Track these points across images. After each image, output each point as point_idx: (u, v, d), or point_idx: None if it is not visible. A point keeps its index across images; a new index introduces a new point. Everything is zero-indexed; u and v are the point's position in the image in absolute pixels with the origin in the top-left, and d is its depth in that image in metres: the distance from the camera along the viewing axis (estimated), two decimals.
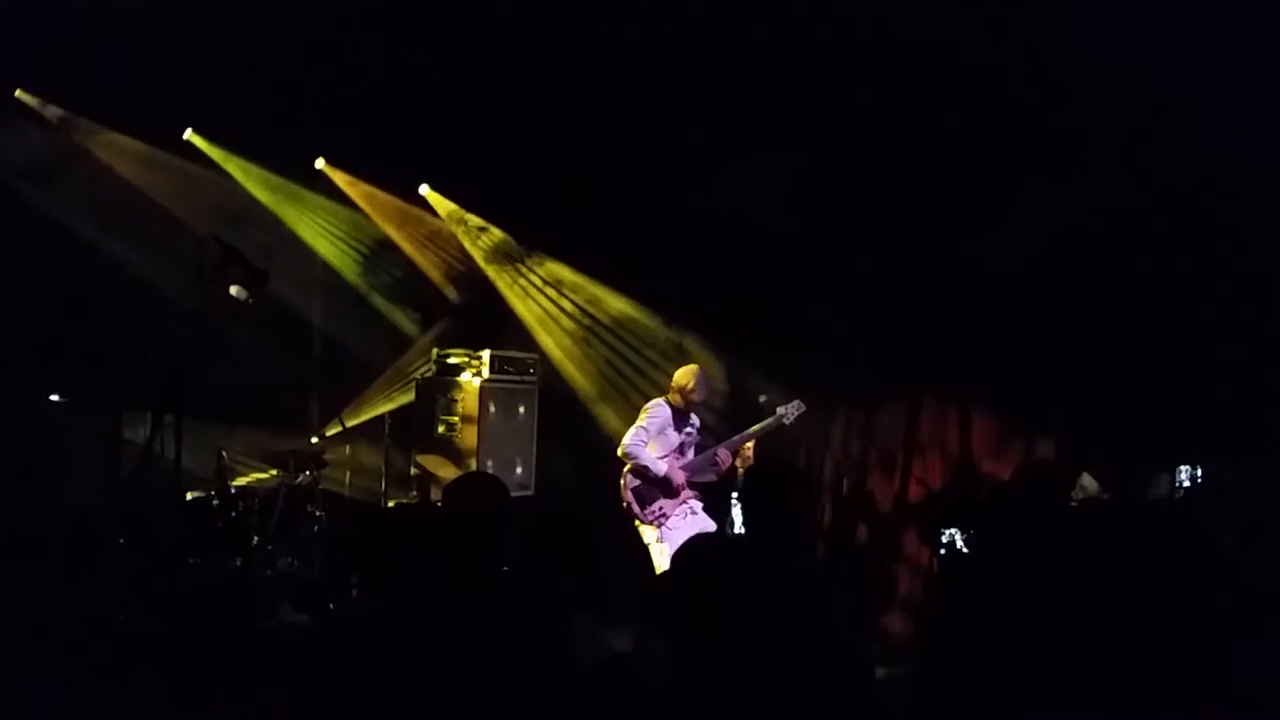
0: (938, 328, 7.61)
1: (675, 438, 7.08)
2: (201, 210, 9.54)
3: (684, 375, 7.11)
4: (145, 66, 8.69)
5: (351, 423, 9.52)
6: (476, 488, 3.71)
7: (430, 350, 9.46)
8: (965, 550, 7.03)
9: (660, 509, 6.97)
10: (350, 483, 9.29)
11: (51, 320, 8.77)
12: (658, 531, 6.95)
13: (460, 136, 8.95)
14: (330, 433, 9.31)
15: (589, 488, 8.34)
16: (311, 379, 10.67)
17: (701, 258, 8.19)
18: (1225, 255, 6.58)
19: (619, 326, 9.22)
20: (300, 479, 8.24)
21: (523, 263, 9.67)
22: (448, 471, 8.30)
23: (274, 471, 8.73)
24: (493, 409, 8.84)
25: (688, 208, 8.18)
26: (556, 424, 9.22)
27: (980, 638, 3.54)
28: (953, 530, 7.17)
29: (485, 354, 8.90)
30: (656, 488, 6.98)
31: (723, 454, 7.03)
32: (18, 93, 9.57)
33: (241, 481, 9.07)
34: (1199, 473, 6.46)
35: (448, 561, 3.44)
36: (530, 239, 9.57)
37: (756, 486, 3.85)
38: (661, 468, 6.94)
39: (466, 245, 9.82)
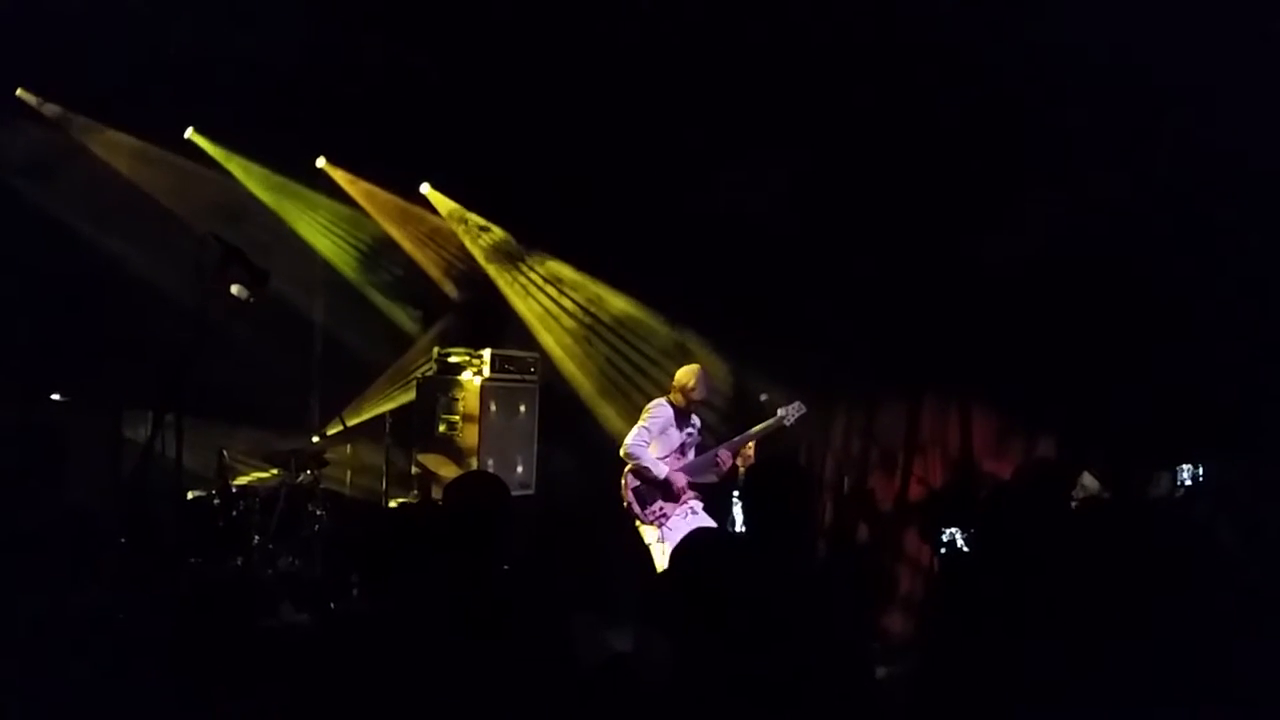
0: (938, 327, 7.61)
1: (677, 438, 7.08)
2: (202, 209, 9.54)
3: (685, 375, 7.12)
4: (145, 66, 8.69)
5: (352, 422, 9.53)
6: (477, 487, 3.71)
7: (431, 349, 9.46)
8: (966, 549, 7.03)
9: (661, 509, 6.97)
10: (351, 482, 9.30)
11: (52, 319, 8.77)
12: (658, 532, 6.95)
13: (460, 136, 8.95)
14: (331, 432, 9.31)
15: (590, 487, 8.34)
16: (312, 378, 10.67)
17: (702, 258, 8.19)
18: (1225, 255, 6.58)
19: (620, 325, 9.23)
20: (301, 478, 8.24)
21: (523, 261, 9.67)
22: (449, 470, 8.30)
23: (275, 471, 8.73)
24: (494, 408, 8.84)
25: (688, 208, 8.18)
26: (557, 423, 9.22)
27: (980, 637, 3.54)
28: (953, 529, 7.17)
29: (486, 353, 8.90)
30: (657, 488, 6.99)
31: (723, 455, 7.03)
32: (18, 91, 9.57)
33: (242, 481, 9.07)
34: (1200, 472, 6.45)
35: (448, 561, 3.44)
36: (531, 238, 9.57)
37: (758, 485, 3.85)
38: (663, 469, 6.94)
39: (467, 244, 9.82)
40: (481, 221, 9.71)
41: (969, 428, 7.76)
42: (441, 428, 8.92)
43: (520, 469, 9.00)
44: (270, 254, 8.47)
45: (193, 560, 7.40)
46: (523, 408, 9.11)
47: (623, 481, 7.08)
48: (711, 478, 7.14)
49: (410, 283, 10.38)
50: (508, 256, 9.74)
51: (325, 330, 10.70)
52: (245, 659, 5.29)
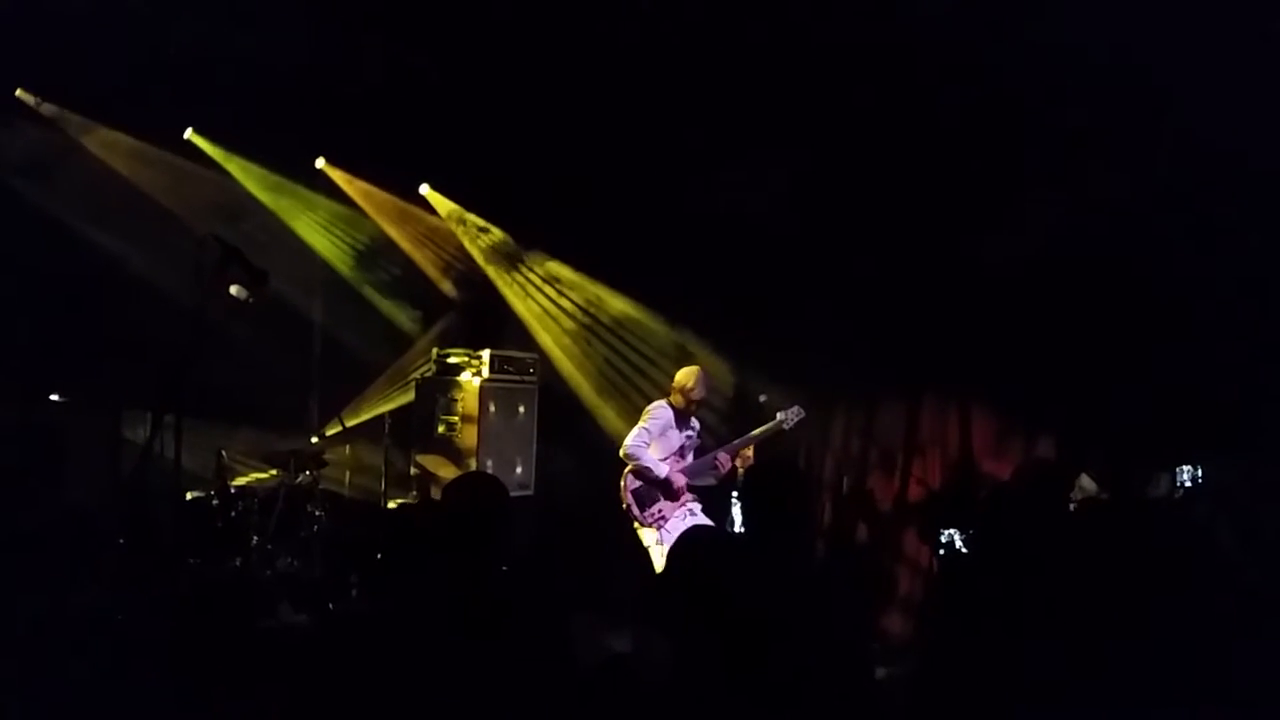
0: (938, 327, 7.61)
1: (676, 439, 7.08)
2: (201, 209, 9.55)
3: (685, 376, 7.12)
4: (145, 66, 8.69)
5: (351, 422, 9.52)
6: (476, 488, 3.71)
7: (430, 350, 9.46)
8: (965, 550, 7.03)
9: (660, 511, 6.97)
10: (350, 483, 9.28)
11: (51, 319, 8.76)
12: (657, 534, 6.95)
13: (459, 136, 8.95)
14: (330, 432, 9.31)
15: (589, 487, 8.34)
16: (311, 379, 10.67)
17: (701, 258, 8.18)
18: (1225, 255, 6.58)
19: (619, 326, 9.22)
20: (300, 479, 8.24)
21: (522, 262, 9.67)
22: (448, 471, 8.30)
23: (274, 471, 8.72)
24: (493, 409, 8.83)
25: (687, 208, 8.18)
26: (556, 424, 9.22)
27: (979, 638, 3.54)
28: (952, 530, 7.17)
29: (485, 354, 8.90)
30: (657, 490, 6.99)
31: (722, 458, 7.04)
32: (18, 92, 9.57)
33: (241, 481, 9.07)
34: (1199, 473, 6.45)
35: (447, 561, 3.44)
36: (530, 238, 9.57)
37: (756, 485, 3.85)
38: (663, 470, 6.94)
39: (466, 245, 9.82)
40: (480, 222, 9.71)
41: (968, 428, 7.76)
42: (440, 428, 8.91)
43: (519, 470, 8.99)
44: (269, 254, 8.46)
45: (191, 561, 7.40)
46: (522, 408, 9.10)
47: (622, 483, 7.08)
48: (710, 480, 7.13)
49: (409, 283, 10.38)
50: (507, 257, 9.74)
51: (324, 331, 10.70)
52: (244, 659, 5.30)
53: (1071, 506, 5.72)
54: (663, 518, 6.96)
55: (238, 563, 7.70)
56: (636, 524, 7.06)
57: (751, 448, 7.05)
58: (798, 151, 7.77)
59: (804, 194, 7.82)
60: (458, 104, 8.80)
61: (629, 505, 7.04)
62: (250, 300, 6.13)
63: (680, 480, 6.98)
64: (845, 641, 3.48)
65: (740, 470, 6.96)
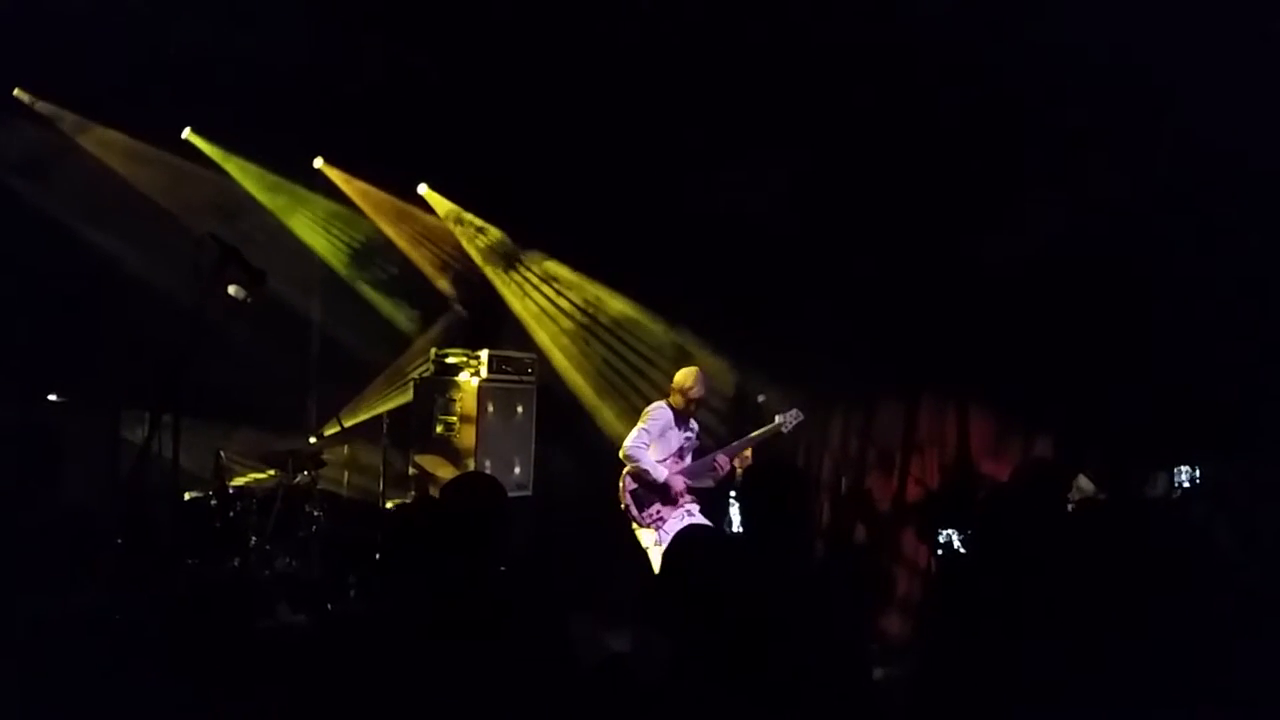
0: (937, 328, 7.61)
1: (676, 441, 7.09)
2: (199, 208, 9.54)
3: (684, 376, 7.12)
4: (145, 66, 8.69)
5: (349, 423, 9.51)
6: (474, 488, 3.71)
7: (428, 350, 9.45)
8: (963, 550, 7.03)
9: (658, 512, 6.97)
10: (348, 483, 9.28)
11: (49, 319, 8.76)
12: (655, 535, 6.95)
13: (459, 136, 8.94)
14: (328, 433, 9.30)
15: (587, 488, 8.34)
16: (310, 379, 10.67)
17: (701, 258, 8.18)
18: (1225, 255, 6.57)
19: (618, 326, 9.22)
20: (298, 479, 8.24)
21: (520, 262, 9.67)
22: (446, 471, 8.30)
23: (272, 471, 8.72)
24: (491, 409, 8.83)
25: (687, 208, 8.17)
26: (555, 424, 9.21)
27: (978, 638, 3.53)
28: (951, 530, 7.18)
29: (483, 354, 8.89)
30: (655, 491, 6.99)
31: (721, 460, 7.04)
32: (16, 91, 9.56)
33: (239, 481, 9.07)
34: (1197, 473, 6.45)
35: (445, 562, 3.43)
36: (529, 239, 9.57)
37: (754, 485, 3.85)
38: (662, 473, 6.94)
39: (465, 245, 9.82)
40: (479, 222, 9.70)
41: (967, 428, 7.76)
42: (439, 428, 8.91)
43: (518, 470, 8.99)
44: (267, 254, 8.45)
45: (190, 561, 7.39)
46: (520, 409, 9.10)
47: (620, 484, 7.08)
48: (709, 482, 7.14)
49: (407, 283, 10.37)
50: (505, 257, 9.73)
51: (323, 331, 10.69)
52: (243, 660, 5.29)
53: (1070, 507, 5.73)
54: (661, 519, 6.95)
55: (236, 563, 7.70)
56: (635, 525, 7.05)
57: (750, 449, 7.06)
58: (797, 151, 7.77)
59: (803, 194, 7.81)
60: (456, 104, 8.79)
61: (627, 506, 7.04)
62: (248, 300, 6.11)
63: (679, 484, 6.98)
64: (843, 641, 3.47)
65: (739, 469, 6.97)
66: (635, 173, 8.32)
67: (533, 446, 9.14)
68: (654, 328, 9.03)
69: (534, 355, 9.39)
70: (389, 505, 8.73)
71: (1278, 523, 5.79)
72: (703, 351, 8.53)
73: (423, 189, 9.64)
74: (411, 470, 8.84)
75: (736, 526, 7.47)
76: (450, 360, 9.01)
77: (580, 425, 9.18)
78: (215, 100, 9.14)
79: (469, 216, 9.70)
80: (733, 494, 7.54)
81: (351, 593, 7.81)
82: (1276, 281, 6.34)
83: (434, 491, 8.25)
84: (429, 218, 9.93)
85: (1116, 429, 6.91)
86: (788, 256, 7.98)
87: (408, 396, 9.46)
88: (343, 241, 10.36)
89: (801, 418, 7.21)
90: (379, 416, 9.43)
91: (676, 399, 7.09)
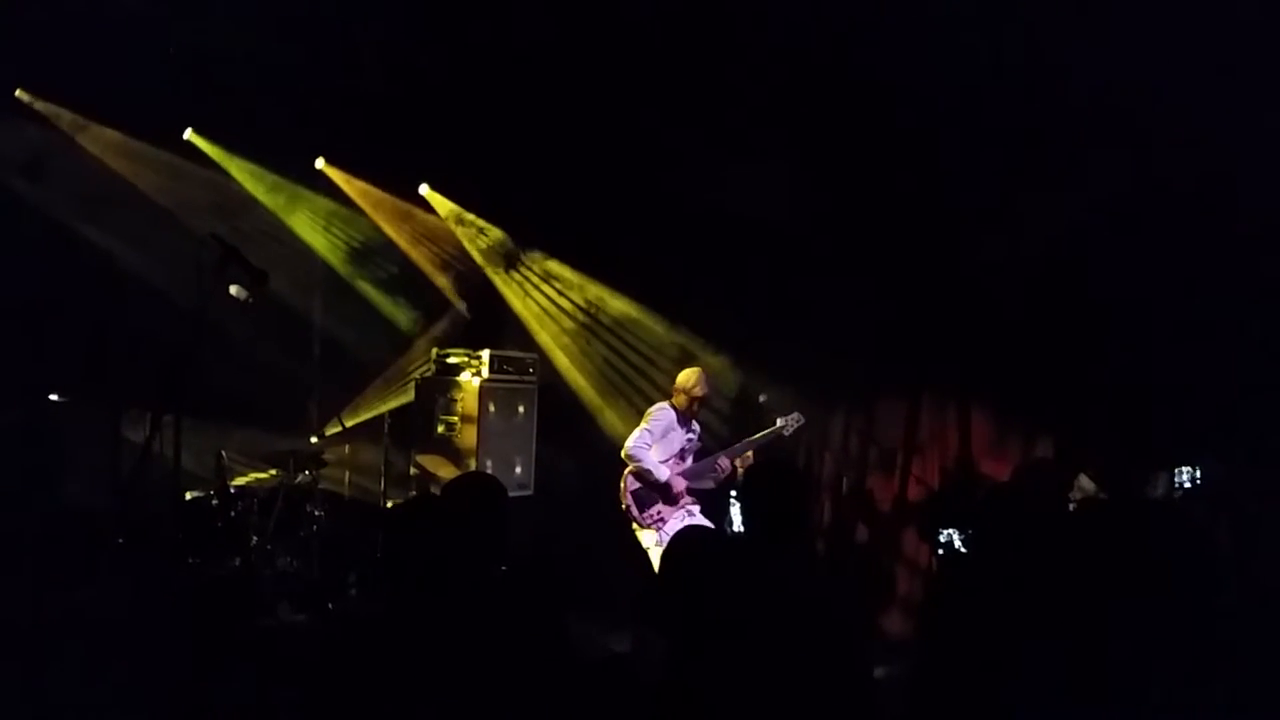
0: (938, 327, 7.61)
1: (678, 441, 7.09)
2: (201, 208, 9.55)
3: (687, 376, 7.13)
4: (145, 65, 8.69)
5: (351, 422, 9.52)
6: (475, 488, 3.71)
7: (430, 350, 9.46)
8: (964, 550, 7.03)
9: (658, 513, 6.98)
10: (349, 483, 9.28)
11: (51, 319, 8.76)
12: (656, 535, 6.95)
13: (460, 136, 8.95)
14: (329, 432, 9.30)
15: (588, 488, 8.34)
16: (311, 379, 10.66)
17: (702, 257, 8.19)
18: (1225, 255, 6.57)
19: (619, 326, 9.22)
20: (299, 479, 8.24)
21: (522, 262, 9.67)
22: (447, 471, 8.30)
23: (273, 471, 8.72)
24: (492, 409, 8.83)
25: (689, 207, 8.18)
26: (556, 424, 9.21)
27: (978, 637, 3.53)
28: (951, 529, 7.18)
29: (485, 354, 8.89)
30: (656, 491, 6.99)
31: (723, 462, 7.06)
32: (17, 92, 9.57)
33: (241, 481, 9.06)
34: (1198, 473, 6.45)
35: (446, 561, 3.44)
36: (530, 239, 9.57)
37: (755, 485, 3.85)
38: (664, 473, 6.95)
39: (466, 245, 9.82)
40: (480, 222, 9.71)
41: (967, 428, 7.76)
42: (440, 428, 8.91)
43: (519, 470, 8.99)
44: (269, 254, 8.46)
45: (191, 560, 7.39)
46: (521, 408, 9.10)
47: (622, 484, 7.09)
48: (709, 484, 7.15)
49: (408, 283, 10.37)
50: (506, 257, 9.74)
51: (324, 331, 10.69)
52: (243, 659, 5.29)
53: (1070, 506, 5.73)
54: (661, 519, 6.96)
55: (237, 562, 7.69)
56: (635, 525, 7.06)
57: (751, 451, 7.08)
58: (798, 151, 7.77)
59: (804, 193, 7.81)
60: (457, 104, 8.79)
61: (628, 506, 7.05)
62: (250, 300, 6.13)
63: (680, 484, 6.99)
64: (844, 640, 3.48)
65: (740, 468, 6.98)
66: (636, 172, 8.33)
67: (534, 446, 9.14)
68: (655, 327, 9.03)
69: (535, 355, 9.39)
70: (390, 505, 8.73)
71: (1278, 523, 5.80)
72: (704, 351, 8.54)
73: (424, 189, 9.65)
74: (413, 470, 8.84)
75: (737, 526, 7.48)
76: (451, 360, 9.02)
77: (581, 425, 9.18)
78: (215, 100, 9.14)
79: (470, 216, 9.70)
80: (733, 494, 7.54)
81: (352, 592, 7.82)
82: (1277, 281, 6.34)
83: (435, 491, 8.25)
84: (430, 218, 9.94)
85: (1116, 429, 6.90)
86: (788, 256, 7.99)
87: (409, 396, 9.47)
88: (343, 241, 10.37)
89: (803, 421, 7.22)
90: (380, 416, 9.44)
91: (680, 399, 7.10)
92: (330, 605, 7.49)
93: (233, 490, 8.19)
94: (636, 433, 7.07)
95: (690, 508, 7.03)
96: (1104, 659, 3.27)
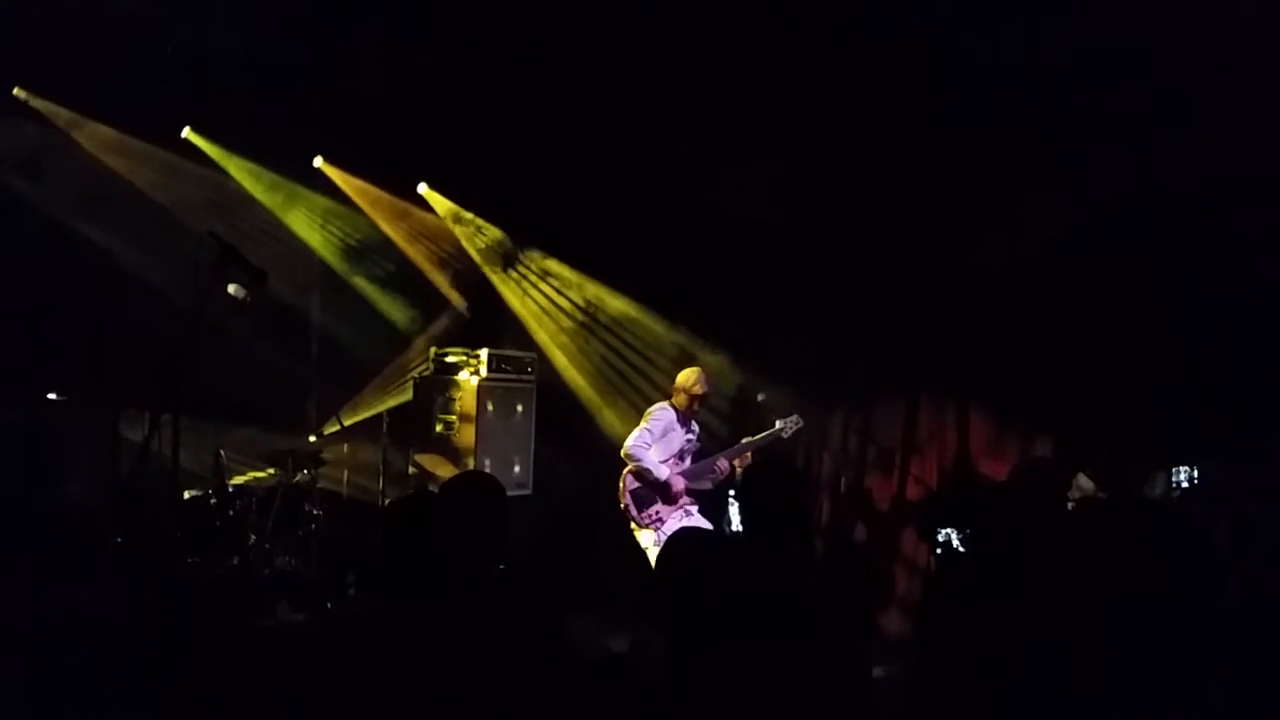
0: (936, 327, 7.61)
1: (678, 441, 7.09)
2: (199, 207, 9.55)
3: (687, 375, 7.13)
4: (144, 64, 8.68)
5: (349, 421, 9.51)
6: (474, 487, 3.71)
7: (428, 349, 9.46)
8: (962, 549, 7.03)
9: (657, 513, 6.98)
10: (348, 482, 9.28)
11: (49, 318, 8.76)
12: (655, 535, 6.95)
13: (459, 135, 8.95)
14: (328, 431, 9.30)
15: (587, 487, 8.34)
16: (309, 378, 10.66)
17: (701, 257, 8.18)
18: (1225, 255, 6.57)
19: (618, 325, 9.22)
20: (298, 478, 8.24)
21: (520, 261, 9.67)
22: (445, 470, 8.30)
23: (272, 470, 8.72)
24: (491, 408, 8.83)
25: (688, 207, 8.17)
26: (555, 423, 9.21)
27: (977, 637, 3.53)
28: (950, 529, 7.18)
29: (483, 353, 8.89)
30: (655, 491, 6.99)
31: (722, 464, 7.06)
32: (15, 90, 9.57)
33: (239, 480, 9.05)
34: (1197, 473, 6.45)
35: (444, 561, 3.43)
36: (528, 237, 9.57)
37: (754, 484, 3.85)
38: (664, 472, 6.94)
39: (464, 244, 9.82)
40: (478, 221, 9.71)
41: (966, 428, 7.76)
42: (438, 427, 8.91)
43: (517, 469, 8.99)
44: (266, 253, 8.46)
45: (190, 559, 7.40)
46: (520, 408, 9.10)
47: (621, 484, 7.08)
48: (707, 485, 7.15)
49: (406, 282, 10.37)
50: (504, 256, 9.74)
51: (322, 330, 10.69)
52: (242, 658, 5.29)
53: (1069, 506, 5.73)
54: (660, 519, 6.96)
55: (236, 561, 7.69)
56: (634, 525, 7.06)
57: (749, 452, 7.08)
58: (798, 151, 7.77)
59: (804, 193, 7.81)
60: (456, 103, 8.79)
61: (627, 506, 7.05)
62: (248, 299, 6.12)
63: (680, 484, 6.99)
64: (843, 640, 3.47)
65: (739, 468, 6.98)
66: (635, 171, 8.33)
67: (532, 445, 9.14)
68: (654, 327, 9.03)
69: (534, 354, 9.39)
70: (388, 501, 8.73)
71: (1278, 523, 5.80)
72: (703, 351, 8.53)
73: (422, 188, 9.64)
74: (411, 469, 8.84)
75: (735, 526, 7.48)
76: (450, 359, 9.02)
77: (580, 424, 9.18)
78: (214, 99, 9.14)
79: (468, 215, 9.70)
80: (732, 494, 7.54)
81: (351, 591, 7.82)
82: (1277, 281, 6.34)
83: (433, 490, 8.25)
84: (428, 216, 9.94)
85: (1115, 429, 6.90)
86: (788, 256, 7.98)
87: (407, 395, 9.47)
88: (341, 240, 10.37)
89: (801, 424, 7.22)
90: (379, 415, 9.43)
91: (680, 398, 7.10)
92: (329, 604, 7.49)
93: (231, 489, 8.19)
94: (636, 432, 7.07)
95: (688, 508, 7.04)
96: (1102, 659, 3.27)
